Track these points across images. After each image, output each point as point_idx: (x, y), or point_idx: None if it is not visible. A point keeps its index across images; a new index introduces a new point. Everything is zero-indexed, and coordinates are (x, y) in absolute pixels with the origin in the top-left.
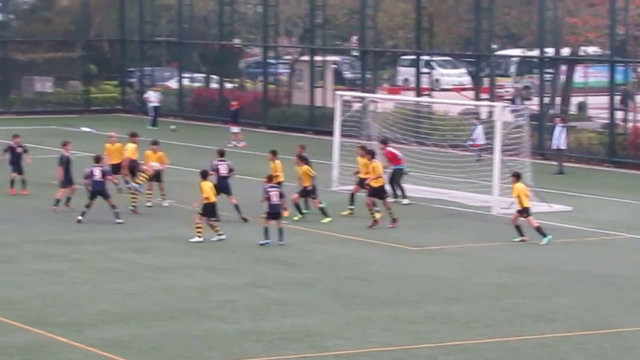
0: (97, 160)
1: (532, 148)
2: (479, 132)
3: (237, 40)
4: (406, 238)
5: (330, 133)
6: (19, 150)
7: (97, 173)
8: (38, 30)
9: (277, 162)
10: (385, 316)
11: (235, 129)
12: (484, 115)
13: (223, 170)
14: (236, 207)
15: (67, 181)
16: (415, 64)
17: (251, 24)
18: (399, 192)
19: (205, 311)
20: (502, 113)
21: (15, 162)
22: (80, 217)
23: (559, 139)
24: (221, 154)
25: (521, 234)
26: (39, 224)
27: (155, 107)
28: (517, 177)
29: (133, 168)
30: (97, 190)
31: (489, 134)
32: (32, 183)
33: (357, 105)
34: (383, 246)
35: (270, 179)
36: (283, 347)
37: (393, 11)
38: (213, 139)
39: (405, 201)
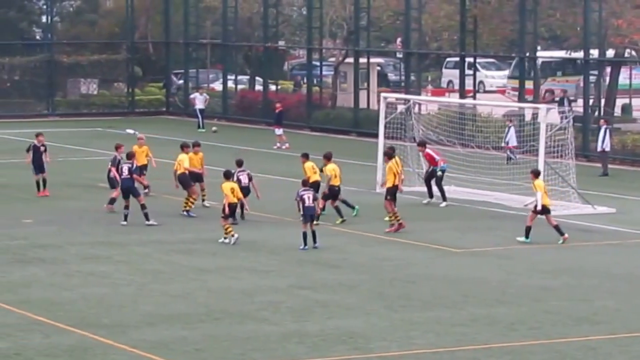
0: (129, 157)
1: (576, 150)
2: (512, 134)
3: (281, 43)
4: (450, 240)
5: (375, 135)
6: (42, 149)
7: (125, 170)
8: (83, 32)
9: (308, 164)
10: (428, 318)
11: (279, 131)
12: (528, 117)
13: (245, 180)
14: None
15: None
16: (459, 65)
17: (295, 26)
18: (437, 194)
19: (248, 313)
20: (547, 115)
21: (38, 161)
22: (124, 222)
23: (603, 141)
24: (239, 164)
25: (561, 233)
26: (83, 226)
27: (200, 110)
28: (536, 174)
29: (186, 181)
30: (126, 188)
31: (534, 135)
32: (76, 185)
33: (401, 107)
34: (426, 248)
35: (304, 183)
36: (326, 349)
37: (437, 13)
38: (256, 140)
39: (443, 204)
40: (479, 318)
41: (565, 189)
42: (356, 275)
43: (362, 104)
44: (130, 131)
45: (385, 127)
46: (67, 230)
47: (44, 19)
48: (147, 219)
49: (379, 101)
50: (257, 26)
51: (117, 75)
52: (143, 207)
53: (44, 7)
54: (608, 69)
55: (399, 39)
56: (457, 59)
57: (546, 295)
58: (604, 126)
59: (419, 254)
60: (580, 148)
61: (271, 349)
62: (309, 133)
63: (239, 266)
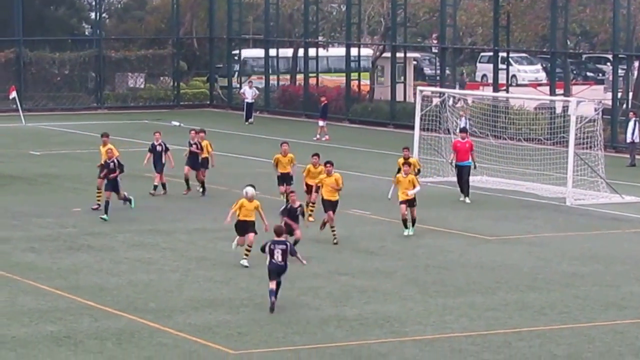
0: None
1: (604, 141)
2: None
3: (321, 38)
4: (483, 228)
5: (411, 127)
6: (160, 148)
7: None
8: (131, 28)
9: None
10: (462, 303)
11: (321, 123)
12: (559, 109)
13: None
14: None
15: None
16: (493, 60)
17: (335, 22)
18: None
19: (290, 298)
20: (577, 108)
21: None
22: None
23: (633, 132)
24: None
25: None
26: (131, 214)
27: (249, 104)
28: (416, 172)
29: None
30: None
31: (565, 127)
32: (123, 175)
33: (436, 100)
34: (460, 236)
35: None
36: (364, 333)
37: (472, 10)
38: (297, 132)
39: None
40: (510, 303)
41: (595, 179)
42: (393, 262)
43: (399, 97)
44: (176, 123)
45: (421, 119)
46: (115, 218)
47: (93, 15)
48: None
49: (415, 94)
50: (298, 22)
51: (163, 69)
52: None
53: (93, 4)
54: (636, 64)
55: (434, 35)
56: (491, 53)
57: (575, 281)
58: (633, 118)
59: (453, 241)
60: (608, 140)
61: (311, 332)
62: (348, 125)
63: None
